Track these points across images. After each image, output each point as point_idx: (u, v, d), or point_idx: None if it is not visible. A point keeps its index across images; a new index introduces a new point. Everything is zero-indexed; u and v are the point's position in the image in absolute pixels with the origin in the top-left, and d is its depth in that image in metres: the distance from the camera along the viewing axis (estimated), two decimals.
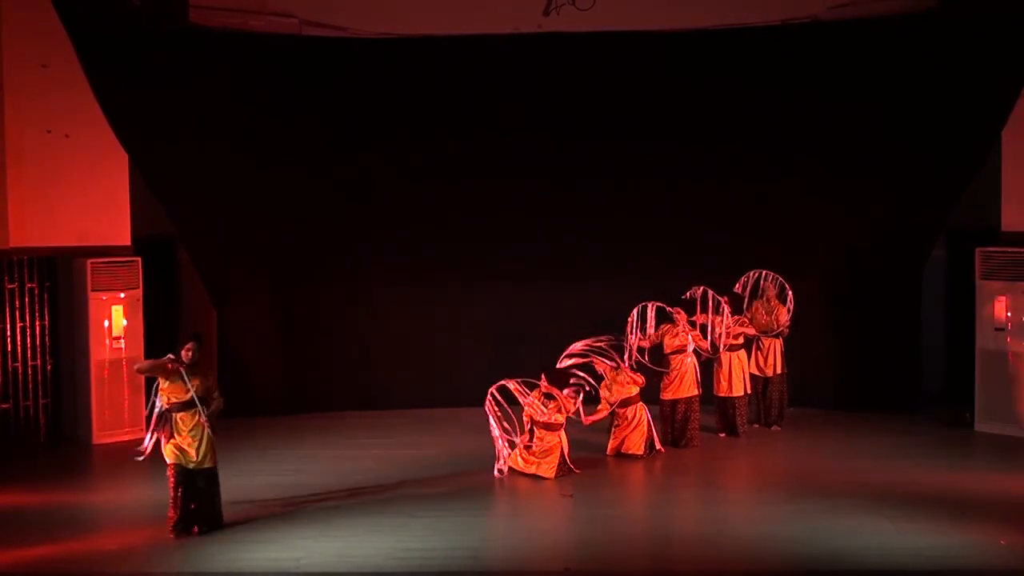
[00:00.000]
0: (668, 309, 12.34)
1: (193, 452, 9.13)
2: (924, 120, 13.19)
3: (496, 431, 11.07)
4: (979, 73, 12.71)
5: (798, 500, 10.12)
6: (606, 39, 13.83)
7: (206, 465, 9.21)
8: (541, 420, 11.11)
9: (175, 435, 9.16)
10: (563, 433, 11.17)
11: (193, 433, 9.14)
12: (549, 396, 11.21)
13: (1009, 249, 12.57)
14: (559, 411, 11.14)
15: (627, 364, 11.93)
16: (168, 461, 9.16)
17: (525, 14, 13.78)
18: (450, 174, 14.21)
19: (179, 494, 9.11)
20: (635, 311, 12.31)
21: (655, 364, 12.26)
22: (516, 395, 11.18)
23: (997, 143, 12.93)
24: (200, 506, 9.21)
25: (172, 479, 9.12)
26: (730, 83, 13.82)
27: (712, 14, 13.71)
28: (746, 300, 13.07)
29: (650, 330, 12.33)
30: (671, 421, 12.29)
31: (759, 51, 13.74)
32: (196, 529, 9.18)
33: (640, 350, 12.21)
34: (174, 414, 9.16)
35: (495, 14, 13.71)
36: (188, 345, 9.21)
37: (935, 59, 12.96)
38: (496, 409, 11.09)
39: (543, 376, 11.31)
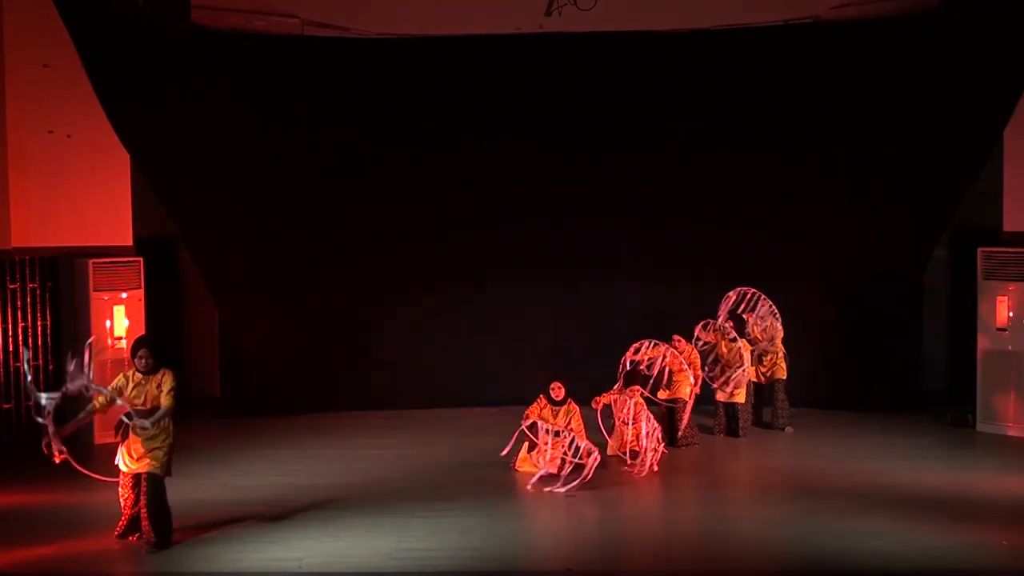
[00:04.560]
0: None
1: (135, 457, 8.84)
2: (926, 120, 13.17)
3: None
4: (981, 73, 12.69)
5: (799, 500, 10.12)
6: (608, 39, 13.83)
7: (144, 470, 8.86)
8: (553, 428, 11.12)
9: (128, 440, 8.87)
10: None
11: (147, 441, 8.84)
12: (559, 403, 11.20)
13: (1011, 249, 12.56)
14: (564, 421, 11.13)
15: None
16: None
17: (527, 14, 13.78)
18: (451, 173, 14.22)
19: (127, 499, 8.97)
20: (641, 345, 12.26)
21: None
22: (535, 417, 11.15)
23: (999, 143, 12.92)
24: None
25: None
26: (731, 83, 13.81)
27: (714, 14, 13.71)
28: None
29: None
30: (668, 420, 12.30)
31: (760, 51, 13.73)
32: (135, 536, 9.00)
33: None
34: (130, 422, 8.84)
35: (497, 14, 13.70)
36: (139, 352, 8.91)
37: (937, 59, 12.95)
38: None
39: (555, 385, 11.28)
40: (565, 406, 11.21)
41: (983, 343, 12.76)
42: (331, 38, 13.87)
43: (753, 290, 12.92)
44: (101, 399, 8.87)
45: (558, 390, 11.21)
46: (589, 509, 10.03)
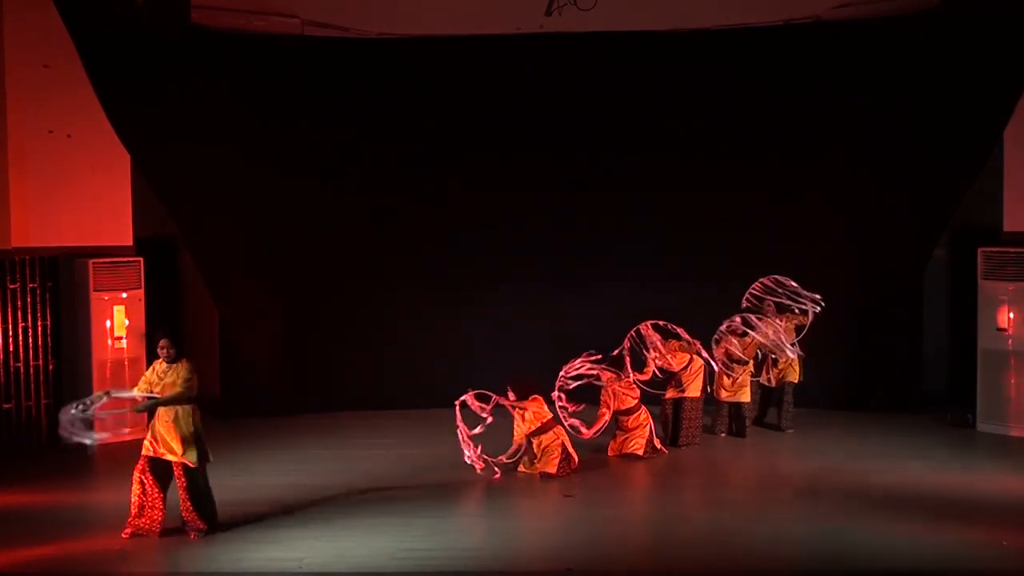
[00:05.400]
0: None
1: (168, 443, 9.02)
2: (926, 120, 13.17)
3: (466, 447, 11.15)
4: (981, 73, 12.69)
5: (799, 500, 10.12)
6: (608, 39, 13.84)
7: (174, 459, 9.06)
8: (528, 431, 11.14)
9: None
10: (559, 429, 11.20)
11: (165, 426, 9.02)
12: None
13: (1011, 249, 12.55)
14: (534, 413, 11.15)
15: (632, 377, 11.90)
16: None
17: (527, 14, 13.80)
18: (451, 173, 14.23)
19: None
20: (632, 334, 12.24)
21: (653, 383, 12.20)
22: (479, 412, 11.08)
23: (999, 143, 12.91)
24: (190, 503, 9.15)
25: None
26: (731, 83, 13.82)
27: (714, 14, 13.73)
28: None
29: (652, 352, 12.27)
30: (672, 420, 12.30)
31: (761, 51, 13.75)
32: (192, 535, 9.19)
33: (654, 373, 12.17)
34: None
35: (497, 14, 13.72)
36: (160, 343, 9.16)
37: (937, 59, 12.95)
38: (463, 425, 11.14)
39: (509, 389, 11.30)
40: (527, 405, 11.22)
41: (983, 343, 12.76)
42: (331, 38, 13.88)
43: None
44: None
45: (509, 395, 11.26)
46: (589, 509, 10.02)
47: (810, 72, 13.63)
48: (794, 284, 12.59)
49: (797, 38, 13.70)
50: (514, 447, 11.29)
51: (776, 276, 12.65)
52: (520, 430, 11.16)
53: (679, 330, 12.15)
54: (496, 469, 11.09)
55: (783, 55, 13.71)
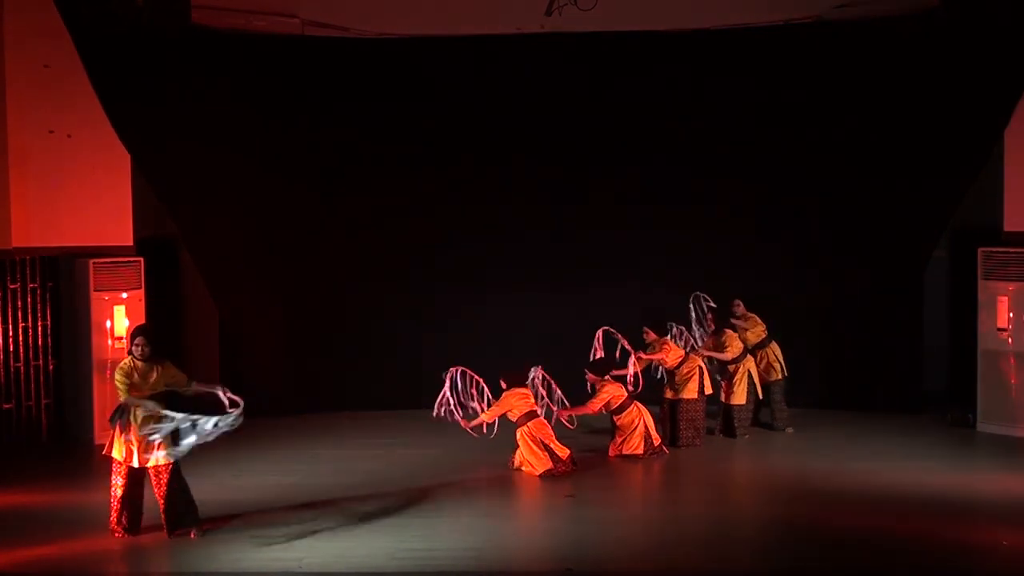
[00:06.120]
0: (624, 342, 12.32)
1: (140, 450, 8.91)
2: (926, 120, 13.17)
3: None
4: (982, 72, 12.69)
5: (799, 500, 10.11)
6: (608, 39, 13.85)
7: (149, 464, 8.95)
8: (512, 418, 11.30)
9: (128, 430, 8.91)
10: (536, 425, 11.21)
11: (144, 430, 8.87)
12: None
13: (1011, 249, 12.55)
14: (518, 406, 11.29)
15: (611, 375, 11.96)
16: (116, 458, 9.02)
17: (527, 14, 13.80)
18: (451, 173, 14.23)
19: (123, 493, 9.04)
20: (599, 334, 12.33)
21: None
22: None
23: (999, 143, 12.90)
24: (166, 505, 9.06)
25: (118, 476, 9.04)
26: (732, 83, 13.84)
27: (715, 14, 13.73)
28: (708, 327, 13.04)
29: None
30: (670, 422, 12.29)
31: (761, 51, 13.75)
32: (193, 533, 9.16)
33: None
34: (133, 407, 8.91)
35: (497, 14, 13.73)
36: (137, 340, 9.05)
37: (938, 58, 12.95)
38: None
39: (502, 379, 11.46)
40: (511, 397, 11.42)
41: (983, 343, 12.75)
42: (331, 38, 13.88)
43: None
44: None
45: (502, 384, 11.49)
46: (589, 509, 10.03)
47: (810, 72, 13.62)
48: (711, 303, 12.90)
49: (797, 38, 13.70)
50: (488, 419, 11.45)
51: (697, 293, 12.96)
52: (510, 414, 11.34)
53: (623, 339, 12.23)
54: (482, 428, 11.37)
55: (783, 55, 13.71)
